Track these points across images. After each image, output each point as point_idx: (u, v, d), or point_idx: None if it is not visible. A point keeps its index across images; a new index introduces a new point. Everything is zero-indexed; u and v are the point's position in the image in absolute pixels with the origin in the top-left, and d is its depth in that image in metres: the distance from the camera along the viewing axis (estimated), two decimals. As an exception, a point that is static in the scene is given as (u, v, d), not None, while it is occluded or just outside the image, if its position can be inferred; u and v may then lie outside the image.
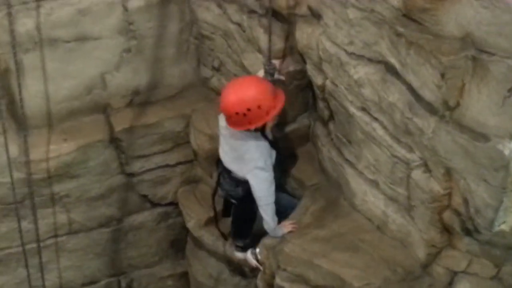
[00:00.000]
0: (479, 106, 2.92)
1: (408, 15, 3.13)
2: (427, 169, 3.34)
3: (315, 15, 3.89)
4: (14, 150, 5.01)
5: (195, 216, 5.21)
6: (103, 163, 5.33)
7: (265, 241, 4.09)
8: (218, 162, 4.31)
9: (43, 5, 4.77)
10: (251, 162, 3.93)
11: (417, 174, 3.41)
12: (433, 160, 3.27)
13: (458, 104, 3.02)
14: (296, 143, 4.56)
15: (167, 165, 5.54)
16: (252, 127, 3.88)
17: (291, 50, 4.24)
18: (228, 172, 4.20)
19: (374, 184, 3.79)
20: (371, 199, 3.86)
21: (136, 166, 5.44)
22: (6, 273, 5.64)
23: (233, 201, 4.35)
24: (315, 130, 4.32)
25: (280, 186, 4.25)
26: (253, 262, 4.19)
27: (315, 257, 3.76)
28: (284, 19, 4.19)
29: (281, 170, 4.33)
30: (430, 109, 3.15)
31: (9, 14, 4.68)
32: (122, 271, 6.10)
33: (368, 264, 3.66)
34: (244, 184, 4.10)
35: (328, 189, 4.23)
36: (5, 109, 4.97)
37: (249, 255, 4.24)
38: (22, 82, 4.91)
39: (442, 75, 2.97)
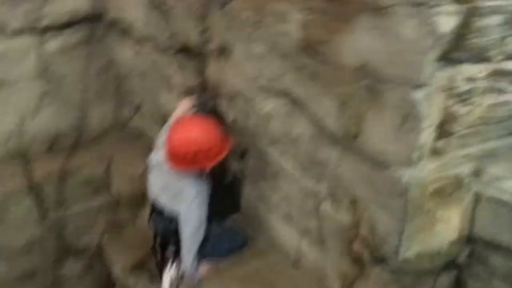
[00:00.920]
0: (378, 134, 2.94)
1: (308, 47, 3.14)
2: (334, 200, 3.33)
3: (225, 51, 3.88)
4: None
5: (121, 261, 5.05)
6: (23, 213, 5.16)
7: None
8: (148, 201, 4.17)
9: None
10: (186, 200, 3.83)
11: (326, 206, 3.41)
12: (339, 191, 3.27)
13: (358, 133, 3.03)
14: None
15: (90, 211, 5.39)
16: (198, 168, 3.76)
17: (205, 86, 4.20)
18: (161, 210, 4.06)
19: (288, 218, 3.76)
20: (285, 234, 3.84)
21: (58, 213, 5.28)
22: None
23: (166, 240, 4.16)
24: (232, 167, 4.29)
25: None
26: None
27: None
28: (196, 56, 4.18)
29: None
30: (333, 139, 3.15)
31: None
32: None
33: (285, 300, 3.59)
34: (175, 222, 3.97)
35: (245, 225, 4.16)
36: None
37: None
38: None
39: (342, 105, 2.99)
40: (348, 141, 3.09)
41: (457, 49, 2.73)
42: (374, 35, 2.81)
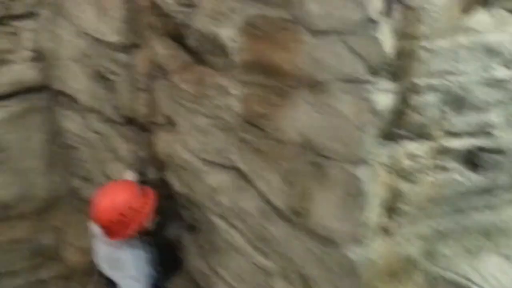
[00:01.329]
0: (325, 211, 2.86)
1: (250, 121, 3.06)
2: (286, 278, 3.21)
3: (171, 123, 3.78)
4: None
5: None
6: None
7: None
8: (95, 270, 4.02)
9: None
10: (124, 270, 3.68)
11: (278, 283, 3.29)
12: (290, 269, 3.16)
13: (305, 210, 2.94)
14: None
15: (39, 282, 5.19)
16: (130, 232, 3.64)
17: (152, 158, 4.09)
18: (107, 279, 3.91)
19: (240, 293, 3.62)
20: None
21: (6, 284, 5.07)
22: None
23: None
24: (182, 240, 4.15)
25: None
26: None
27: None
28: (143, 127, 4.08)
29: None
30: (281, 215, 3.06)
31: None
32: None
33: None
34: None
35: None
36: None
37: None
38: None
39: (287, 181, 2.91)
40: (296, 217, 3.00)
41: (397, 126, 2.68)
42: (312, 111, 2.75)
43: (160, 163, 4.06)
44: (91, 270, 4.22)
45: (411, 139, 2.72)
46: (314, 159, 2.85)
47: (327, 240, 2.89)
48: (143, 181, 3.99)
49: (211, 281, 3.88)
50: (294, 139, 2.93)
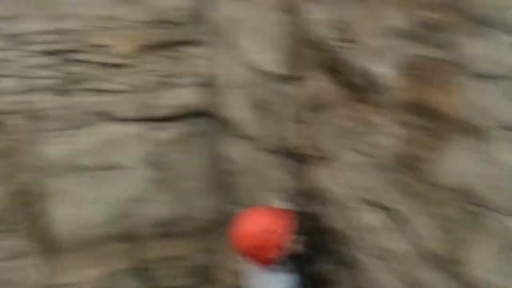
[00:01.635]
0: (479, 262, 2.74)
1: (404, 162, 2.99)
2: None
3: (326, 157, 3.79)
4: (41, 273, 4.96)
5: None
6: (123, 293, 5.21)
7: None
8: None
9: (71, 135, 4.85)
10: None
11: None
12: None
13: (458, 259, 2.82)
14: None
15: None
16: (271, 255, 3.68)
17: (304, 190, 4.11)
18: None
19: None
20: None
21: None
22: None
23: None
24: (329, 275, 4.12)
25: None
26: None
27: None
28: (298, 159, 4.11)
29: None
30: (433, 261, 2.95)
31: (39, 142, 4.75)
32: None
33: None
34: None
35: None
36: (37, 231, 4.95)
37: None
38: (50, 206, 4.91)
39: (439, 227, 2.81)
40: (448, 265, 2.87)
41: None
42: (471, 157, 2.64)
43: (311, 196, 4.06)
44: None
45: None
46: (470, 207, 2.73)
47: (478, 291, 2.74)
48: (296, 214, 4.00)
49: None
50: (450, 184, 2.83)
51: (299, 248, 3.80)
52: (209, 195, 5.31)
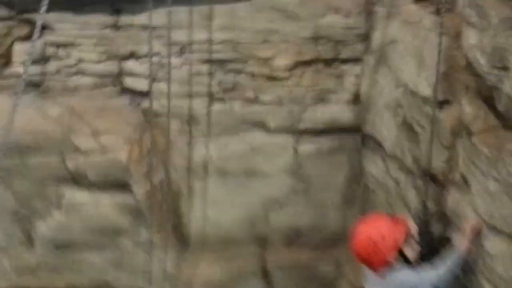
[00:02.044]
0: None
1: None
2: None
3: (465, 183, 3.79)
4: (170, 265, 5.25)
5: None
6: (253, 294, 5.41)
7: None
8: None
9: (220, 139, 5.10)
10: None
11: None
12: None
13: None
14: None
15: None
16: (387, 259, 3.77)
17: (439, 214, 4.12)
18: None
19: None
20: None
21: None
22: None
23: None
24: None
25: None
26: None
27: None
28: (437, 182, 4.13)
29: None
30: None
31: (189, 144, 5.06)
32: None
33: None
34: None
35: None
36: (174, 227, 5.27)
37: None
38: (191, 205, 5.23)
39: None
40: None
41: None
42: None
43: (446, 220, 4.05)
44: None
45: None
46: None
47: None
48: (425, 235, 4.01)
49: None
50: None
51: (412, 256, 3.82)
52: (345, 209, 5.41)
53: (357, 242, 3.87)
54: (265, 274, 5.42)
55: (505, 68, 3.26)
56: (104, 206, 5.12)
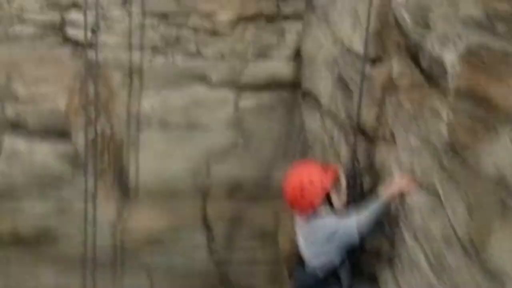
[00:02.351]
0: (500, 250, 2.78)
1: (454, 149, 3.08)
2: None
3: (393, 139, 3.91)
4: (113, 216, 5.32)
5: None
6: (193, 245, 5.57)
7: None
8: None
9: (161, 91, 5.15)
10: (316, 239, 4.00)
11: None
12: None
13: (482, 244, 2.88)
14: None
15: (255, 261, 5.62)
16: (314, 204, 3.96)
17: (369, 168, 4.25)
18: (303, 263, 4.22)
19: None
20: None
21: (225, 256, 5.57)
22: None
23: None
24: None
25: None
26: None
27: None
28: (368, 138, 4.24)
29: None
30: (460, 244, 3.03)
31: (131, 95, 5.10)
32: None
33: None
34: (312, 275, 4.12)
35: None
36: (116, 177, 5.32)
37: None
38: (133, 156, 5.28)
39: (470, 213, 2.88)
40: (472, 249, 2.94)
41: None
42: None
43: (375, 174, 4.18)
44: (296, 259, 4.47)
45: None
46: (504, 197, 2.78)
47: (496, 279, 2.81)
48: (354, 188, 4.14)
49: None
50: (490, 174, 2.88)
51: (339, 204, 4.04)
52: (285, 163, 5.49)
53: (286, 186, 4.06)
54: (206, 225, 5.50)
55: (427, 26, 3.34)
56: (44, 154, 5.16)
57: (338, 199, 4.02)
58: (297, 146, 5.38)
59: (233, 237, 5.53)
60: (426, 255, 3.46)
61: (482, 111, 2.91)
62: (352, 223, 3.83)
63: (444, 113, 3.19)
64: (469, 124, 2.98)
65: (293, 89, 5.31)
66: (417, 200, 3.55)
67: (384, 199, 3.78)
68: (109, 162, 5.32)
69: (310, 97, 5.06)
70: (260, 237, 5.50)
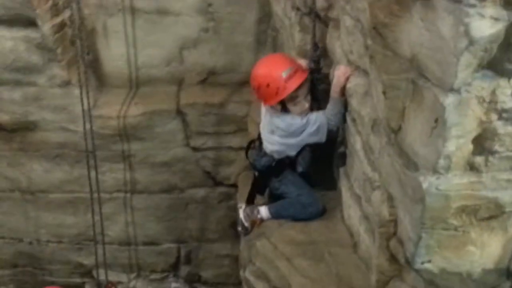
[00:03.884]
0: (414, 133, 2.77)
1: (375, 28, 3.01)
2: (380, 191, 3.21)
3: (337, 20, 3.83)
4: (87, 102, 5.39)
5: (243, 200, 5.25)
6: (169, 132, 5.63)
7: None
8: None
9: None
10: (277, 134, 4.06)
11: (376, 196, 3.28)
12: (382, 183, 3.14)
13: (399, 128, 2.87)
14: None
15: (230, 148, 5.70)
16: (266, 103, 4.03)
17: (324, 51, 4.19)
18: (260, 141, 4.31)
19: (357, 199, 3.69)
20: (353, 214, 3.76)
21: (200, 141, 5.68)
22: (76, 215, 6.07)
23: (255, 172, 4.39)
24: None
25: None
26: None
27: (279, 259, 3.76)
28: (322, 20, 4.16)
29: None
30: (383, 127, 3.02)
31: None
32: (183, 240, 6.32)
33: (321, 277, 3.58)
34: (268, 158, 4.21)
35: (333, 195, 4.15)
36: (89, 65, 5.34)
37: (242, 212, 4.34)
38: (106, 43, 5.29)
39: (384, 94, 2.84)
40: (390, 133, 2.94)
41: (506, 61, 2.43)
42: (422, 27, 2.62)
43: (325, 56, 4.14)
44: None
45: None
46: (415, 78, 2.74)
47: (410, 163, 2.82)
48: (314, 71, 4.15)
49: (340, 181, 4.04)
50: (406, 53, 2.83)
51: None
52: (257, 50, 5.46)
53: (252, 78, 4.07)
54: (180, 112, 5.53)
55: None
56: (11, 41, 5.14)
57: (303, 101, 4.02)
58: (268, 33, 5.28)
59: (205, 123, 5.58)
60: (362, 141, 3.44)
61: (397, -13, 2.80)
62: (320, 120, 3.91)
63: (366, -9, 3.09)
64: (385, 1, 2.89)
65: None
66: (354, 84, 3.52)
67: (334, 95, 3.72)
68: (81, 50, 5.29)
69: (276, -20, 4.93)
70: (232, 123, 5.51)
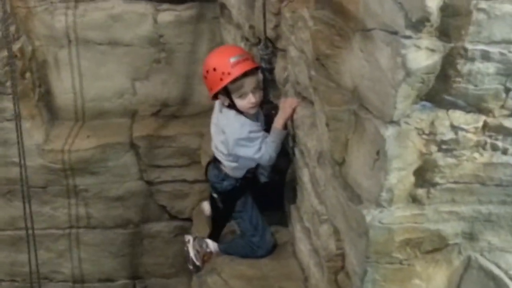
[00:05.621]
0: (358, 165, 2.73)
1: (318, 59, 2.98)
2: (327, 225, 3.15)
3: (283, 50, 3.81)
4: (39, 137, 5.28)
5: (199, 233, 5.18)
6: (122, 166, 5.52)
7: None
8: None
9: (78, 6, 5.01)
10: (233, 134, 3.86)
11: (323, 229, 3.23)
12: (328, 216, 3.08)
13: (343, 160, 2.82)
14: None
15: (185, 181, 5.61)
16: (211, 92, 3.88)
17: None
18: (217, 162, 4.13)
19: (307, 232, 3.63)
20: (303, 248, 3.70)
21: (154, 175, 5.57)
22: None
23: (215, 195, 4.23)
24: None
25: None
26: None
27: (229, 295, 3.66)
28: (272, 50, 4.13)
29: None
30: (328, 160, 2.98)
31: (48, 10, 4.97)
32: (138, 276, 6.19)
33: (273, 314, 3.50)
34: (230, 179, 4.04)
35: (285, 230, 4.09)
36: (40, 97, 5.24)
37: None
38: (58, 75, 5.19)
39: (327, 126, 2.80)
40: (334, 165, 2.89)
41: (444, 92, 2.40)
42: (362, 58, 2.59)
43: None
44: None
45: (460, 109, 2.43)
46: (357, 109, 2.70)
47: (354, 195, 2.77)
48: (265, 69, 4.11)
49: (290, 213, 3.97)
50: (348, 85, 2.80)
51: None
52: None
53: (203, 64, 3.94)
54: (133, 145, 5.45)
55: None
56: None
57: (253, 99, 3.85)
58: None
59: (158, 156, 5.49)
60: (309, 174, 3.40)
61: (338, 19, 2.79)
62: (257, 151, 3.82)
63: (309, 21, 3.06)
64: (328, 32, 2.86)
65: (211, 2, 5.14)
66: (301, 115, 3.48)
67: (277, 126, 3.70)
68: (33, 82, 5.19)
69: (226, 10, 4.91)
70: (187, 156, 5.45)
